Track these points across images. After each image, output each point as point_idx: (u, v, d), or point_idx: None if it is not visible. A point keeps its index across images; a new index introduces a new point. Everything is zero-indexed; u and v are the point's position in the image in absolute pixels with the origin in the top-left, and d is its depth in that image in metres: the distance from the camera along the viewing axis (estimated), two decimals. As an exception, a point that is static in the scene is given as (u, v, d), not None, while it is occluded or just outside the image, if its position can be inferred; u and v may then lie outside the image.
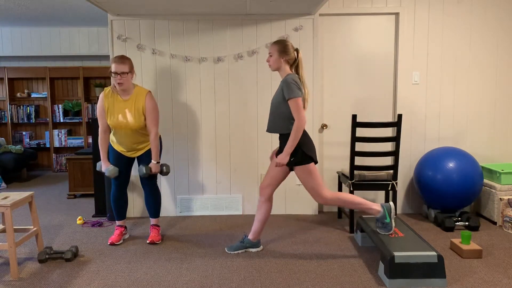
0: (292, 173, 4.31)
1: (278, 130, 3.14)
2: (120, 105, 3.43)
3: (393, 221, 3.13)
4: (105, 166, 3.53)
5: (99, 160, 4.41)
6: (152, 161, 3.52)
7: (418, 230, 3.92)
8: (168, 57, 4.28)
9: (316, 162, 3.12)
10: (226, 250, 3.42)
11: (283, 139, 3.13)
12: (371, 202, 3.18)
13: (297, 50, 3.15)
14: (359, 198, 3.17)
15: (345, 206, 3.17)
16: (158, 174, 4.34)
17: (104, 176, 4.33)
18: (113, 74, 3.34)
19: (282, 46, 3.09)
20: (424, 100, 4.39)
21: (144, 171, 3.47)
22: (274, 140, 4.40)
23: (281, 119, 3.09)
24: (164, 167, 3.58)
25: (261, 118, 4.36)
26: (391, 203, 3.20)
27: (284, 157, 3.06)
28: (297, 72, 3.16)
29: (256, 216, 3.36)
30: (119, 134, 3.48)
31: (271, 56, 3.13)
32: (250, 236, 3.40)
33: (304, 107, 3.07)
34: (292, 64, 3.14)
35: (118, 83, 3.35)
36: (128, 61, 3.38)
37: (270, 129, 3.20)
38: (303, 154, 3.05)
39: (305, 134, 3.11)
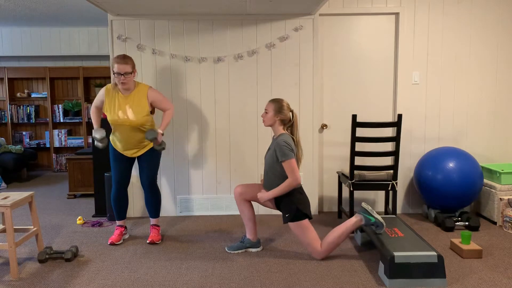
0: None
1: (275, 187, 3.21)
2: (121, 101, 3.42)
3: (377, 217, 3.14)
4: (95, 129, 3.51)
5: (99, 159, 4.42)
6: (159, 130, 3.48)
7: (418, 230, 3.92)
8: (168, 57, 4.28)
9: (310, 218, 3.19)
10: (226, 250, 3.42)
11: (282, 196, 3.20)
12: (349, 219, 3.21)
13: (292, 111, 3.25)
14: (339, 228, 3.18)
15: (339, 242, 3.17)
16: (158, 174, 4.34)
17: (104, 176, 4.33)
18: (116, 75, 3.33)
19: (278, 106, 3.20)
20: (424, 100, 4.39)
21: (153, 134, 3.38)
22: (274, 140, 4.40)
23: (277, 178, 3.19)
24: (164, 143, 3.54)
25: (261, 118, 4.36)
26: (363, 203, 3.26)
27: (266, 196, 3.19)
28: (292, 131, 3.25)
29: (243, 219, 3.41)
30: (119, 131, 3.47)
31: (266, 113, 3.24)
32: (248, 236, 3.41)
33: (298, 166, 3.16)
34: (286, 123, 3.23)
35: (122, 83, 3.35)
36: (130, 61, 3.37)
37: (267, 186, 3.28)
38: (297, 211, 3.13)
39: (301, 192, 3.21)
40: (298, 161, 3.21)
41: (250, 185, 3.39)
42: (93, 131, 3.53)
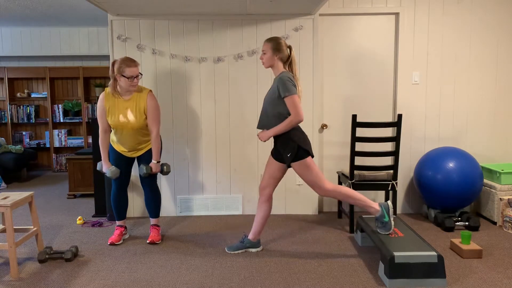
0: (292, 172, 4.31)
1: (271, 128, 3.13)
2: (122, 105, 3.42)
3: (392, 220, 3.13)
4: (106, 167, 3.52)
5: (99, 159, 4.42)
6: (153, 160, 3.52)
7: (418, 230, 3.92)
8: (168, 57, 4.28)
9: (312, 156, 3.12)
10: (226, 250, 3.42)
11: (278, 136, 3.14)
12: (371, 201, 3.19)
13: (290, 47, 3.17)
14: (359, 195, 3.16)
15: (345, 200, 3.16)
16: (159, 174, 4.35)
17: (104, 176, 4.33)
18: (129, 79, 3.31)
19: (275, 44, 3.11)
20: (424, 100, 4.39)
21: (145, 170, 3.47)
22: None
23: (275, 117, 3.09)
24: (165, 167, 3.58)
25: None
26: (389, 202, 3.20)
27: (266, 134, 3.12)
28: (290, 69, 3.18)
29: (256, 216, 3.36)
30: (120, 134, 3.48)
31: (264, 54, 3.15)
32: (250, 236, 3.40)
33: None
34: (285, 61, 3.16)
35: (133, 85, 3.35)
36: (138, 63, 3.39)
37: (262, 126, 3.20)
38: (298, 149, 3.06)
39: (300, 130, 3.13)
40: (299, 97, 3.12)
41: (264, 173, 3.30)
42: (105, 169, 3.49)
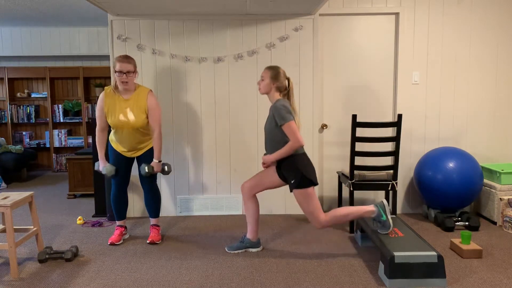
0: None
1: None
2: (121, 104, 3.42)
3: (389, 218, 3.13)
4: (102, 165, 3.52)
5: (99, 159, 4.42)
6: (154, 160, 3.51)
7: (418, 230, 3.92)
8: (168, 57, 4.28)
9: (316, 185, 3.15)
10: (226, 250, 3.42)
11: (283, 160, 3.16)
12: (364, 206, 3.20)
13: (288, 79, 3.22)
14: (351, 208, 3.17)
15: (343, 220, 3.16)
16: (159, 173, 4.35)
17: (104, 176, 4.33)
18: (117, 74, 3.33)
19: (274, 73, 3.17)
20: (424, 100, 4.39)
21: (146, 169, 3.46)
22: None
23: (278, 144, 3.14)
24: (166, 166, 3.57)
25: (261, 118, 4.36)
26: (384, 200, 3.21)
27: (269, 159, 3.15)
28: (288, 99, 3.23)
29: (247, 217, 3.38)
30: (120, 134, 3.48)
31: (262, 80, 3.21)
32: (248, 236, 3.40)
33: None
34: (282, 91, 3.21)
35: (123, 82, 3.35)
36: (133, 61, 3.39)
37: (269, 152, 3.24)
38: (303, 177, 3.08)
39: (305, 158, 3.15)
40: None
41: (256, 176, 3.33)
42: (101, 167, 3.50)
